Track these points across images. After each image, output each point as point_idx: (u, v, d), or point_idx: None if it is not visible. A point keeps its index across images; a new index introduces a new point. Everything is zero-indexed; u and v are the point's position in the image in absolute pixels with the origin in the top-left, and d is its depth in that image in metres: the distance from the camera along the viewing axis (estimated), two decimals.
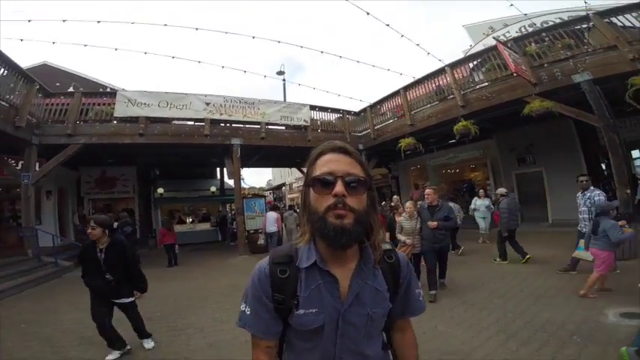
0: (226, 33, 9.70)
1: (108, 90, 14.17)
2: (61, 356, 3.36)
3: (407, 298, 0.96)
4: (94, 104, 9.12)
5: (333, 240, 0.78)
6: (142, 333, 3.43)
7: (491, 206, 8.22)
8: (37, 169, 8.19)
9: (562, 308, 3.68)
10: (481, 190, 8.84)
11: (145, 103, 9.09)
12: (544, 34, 7.44)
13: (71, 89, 13.02)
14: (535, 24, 12.34)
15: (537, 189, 10.28)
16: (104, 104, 9.22)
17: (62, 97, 9.09)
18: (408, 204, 4.97)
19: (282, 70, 14.61)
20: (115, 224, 9.54)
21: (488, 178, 11.74)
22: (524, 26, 12.97)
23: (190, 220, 16.51)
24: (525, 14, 11.08)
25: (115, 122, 8.95)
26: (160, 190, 14.72)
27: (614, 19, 6.50)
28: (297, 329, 0.84)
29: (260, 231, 10.17)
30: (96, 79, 16.07)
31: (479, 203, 8.32)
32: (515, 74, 6.61)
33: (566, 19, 10.85)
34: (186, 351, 3.36)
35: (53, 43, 9.36)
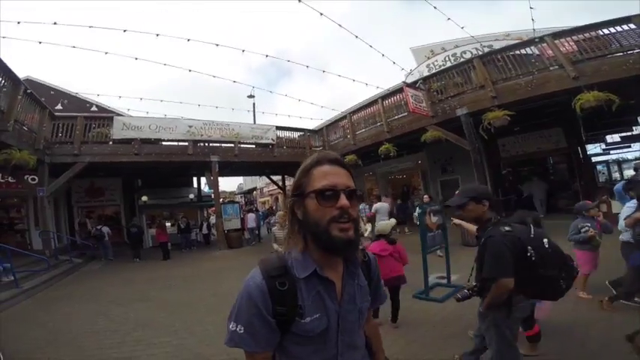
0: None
1: (94, 107, 15.94)
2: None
3: (376, 290, 1.08)
4: (93, 127, 10.89)
5: (340, 251, 0.86)
6: None
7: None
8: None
9: (413, 274, 5.81)
10: (425, 196, 8.82)
11: (137, 127, 11.04)
12: (442, 75, 9.91)
13: (59, 106, 14.64)
14: (457, 53, 14.79)
15: (455, 193, 13.17)
16: (102, 126, 11.00)
17: (65, 120, 10.53)
18: (280, 213, 5.73)
19: (252, 94, 16.93)
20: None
21: (420, 185, 14.63)
22: (448, 55, 15.02)
23: (170, 224, 18.22)
24: (473, 36, 12.49)
25: (111, 143, 10.83)
26: (144, 198, 16.41)
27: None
28: (301, 335, 0.85)
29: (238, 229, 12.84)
30: (80, 95, 16.69)
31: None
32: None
33: (481, 48, 12.86)
34: (199, 298, 5.67)
35: (40, 42, 9.38)
